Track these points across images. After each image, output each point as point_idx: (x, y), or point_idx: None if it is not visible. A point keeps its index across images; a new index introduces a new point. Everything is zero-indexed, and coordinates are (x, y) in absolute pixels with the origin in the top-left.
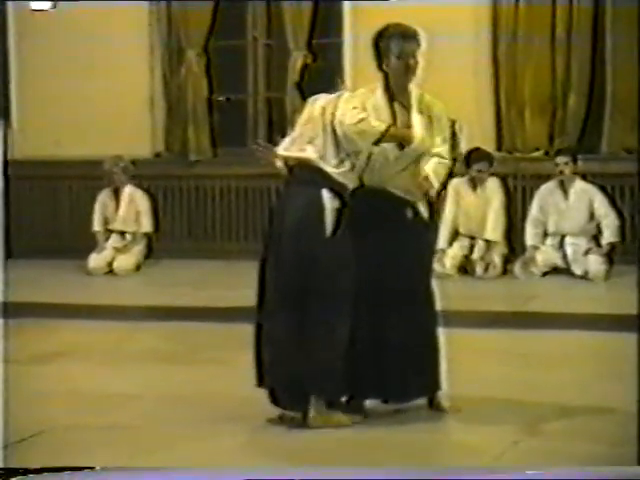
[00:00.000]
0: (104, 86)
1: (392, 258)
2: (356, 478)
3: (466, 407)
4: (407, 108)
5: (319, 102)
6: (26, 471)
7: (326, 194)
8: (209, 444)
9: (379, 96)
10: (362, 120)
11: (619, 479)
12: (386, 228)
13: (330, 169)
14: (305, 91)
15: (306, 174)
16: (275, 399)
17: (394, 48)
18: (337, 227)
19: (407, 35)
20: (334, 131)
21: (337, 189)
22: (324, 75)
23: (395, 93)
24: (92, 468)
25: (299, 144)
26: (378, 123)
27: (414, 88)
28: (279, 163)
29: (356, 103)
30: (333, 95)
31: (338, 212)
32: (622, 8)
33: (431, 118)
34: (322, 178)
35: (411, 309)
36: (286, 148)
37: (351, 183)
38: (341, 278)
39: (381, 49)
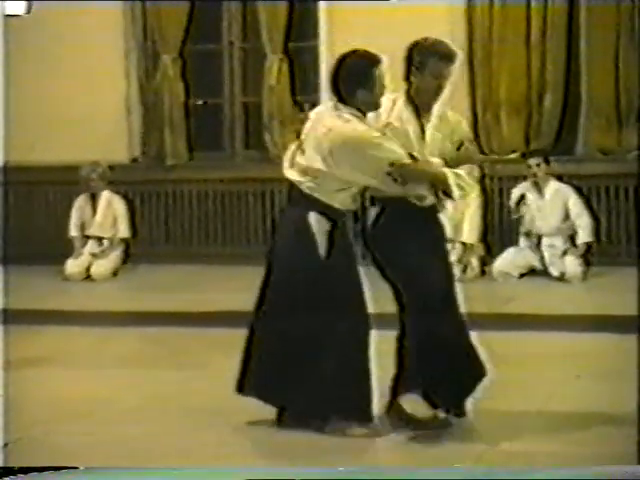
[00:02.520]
0: (80, 91)
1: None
2: (356, 478)
3: None
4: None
5: (324, 126)
6: (27, 469)
7: (314, 217)
8: (191, 447)
9: (402, 107)
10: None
11: (619, 479)
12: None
13: (323, 197)
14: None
15: (296, 195)
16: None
17: (432, 66)
18: (331, 247)
19: (447, 57)
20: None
21: (327, 212)
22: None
23: (419, 108)
24: (76, 468)
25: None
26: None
27: (437, 105)
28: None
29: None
30: (337, 117)
31: (329, 233)
32: (596, 8)
33: (451, 136)
34: (310, 202)
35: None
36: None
37: (350, 206)
38: (347, 297)
39: (414, 61)
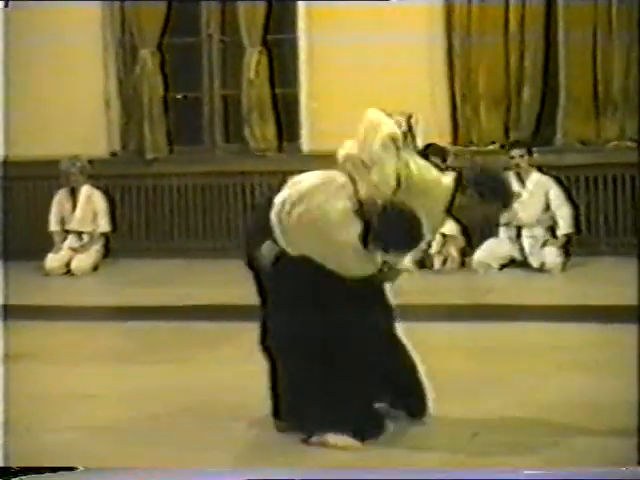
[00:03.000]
0: (59, 85)
1: None
2: (356, 478)
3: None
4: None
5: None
6: (25, 469)
7: (267, 245)
8: (172, 443)
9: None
10: None
11: (619, 479)
12: None
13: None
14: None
15: None
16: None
17: (492, 206)
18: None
19: (507, 206)
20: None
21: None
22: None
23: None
24: (73, 468)
25: None
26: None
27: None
28: None
29: None
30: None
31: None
32: (574, 2)
33: None
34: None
35: None
36: None
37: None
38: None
39: (484, 186)
